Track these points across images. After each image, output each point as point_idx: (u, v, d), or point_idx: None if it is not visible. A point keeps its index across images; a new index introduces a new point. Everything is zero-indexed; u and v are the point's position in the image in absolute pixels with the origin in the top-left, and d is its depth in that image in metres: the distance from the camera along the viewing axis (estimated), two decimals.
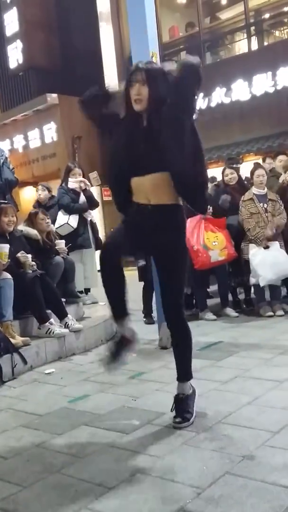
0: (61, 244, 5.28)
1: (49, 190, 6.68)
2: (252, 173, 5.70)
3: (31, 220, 5.13)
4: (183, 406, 2.70)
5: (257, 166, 5.84)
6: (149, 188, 2.61)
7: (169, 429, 2.64)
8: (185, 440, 2.48)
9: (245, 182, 6.17)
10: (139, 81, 2.54)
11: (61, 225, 6.05)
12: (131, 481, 2.15)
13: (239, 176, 6.01)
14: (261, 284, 5.31)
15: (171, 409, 2.71)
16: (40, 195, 6.63)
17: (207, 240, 5.40)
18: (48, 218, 5.20)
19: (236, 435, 2.48)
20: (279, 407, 2.77)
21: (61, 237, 5.67)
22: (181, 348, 2.80)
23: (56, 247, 5.18)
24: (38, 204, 6.50)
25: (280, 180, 5.91)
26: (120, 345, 2.65)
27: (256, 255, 5.34)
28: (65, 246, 5.34)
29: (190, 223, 5.54)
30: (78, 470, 2.28)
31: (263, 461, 2.20)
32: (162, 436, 2.56)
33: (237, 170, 6.15)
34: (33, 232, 5.02)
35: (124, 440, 2.56)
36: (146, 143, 2.57)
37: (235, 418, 2.64)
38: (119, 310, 2.66)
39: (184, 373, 2.79)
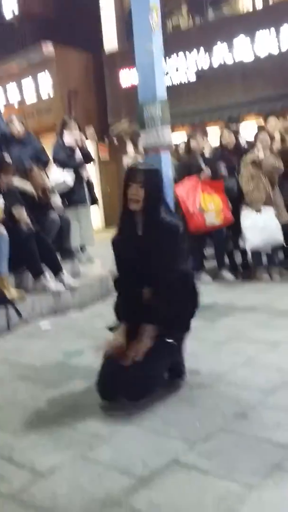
0: (56, 200, 5.19)
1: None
2: (255, 136, 5.58)
3: (26, 175, 5.04)
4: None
5: (261, 129, 5.72)
6: None
7: (164, 385, 2.67)
8: (180, 397, 2.52)
9: (245, 146, 6.07)
10: (137, 182, 2.52)
11: (57, 183, 5.96)
12: (126, 433, 2.19)
13: (237, 139, 5.89)
14: (247, 249, 5.29)
15: None
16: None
17: (203, 202, 5.35)
18: (43, 174, 5.10)
19: (230, 393, 2.52)
20: (273, 368, 2.81)
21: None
22: None
23: (52, 204, 5.10)
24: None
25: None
26: None
27: (247, 218, 5.29)
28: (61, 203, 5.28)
29: (186, 184, 5.49)
30: (73, 421, 2.32)
31: (255, 419, 2.25)
32: (156, 392, 2.59)
33: (235, 132, 6.03)
34: (28, 187, 4.93)
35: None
36: (141, 254, 2.55)
37: (230, 378, 2.68)
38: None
39: None
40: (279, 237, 5.23)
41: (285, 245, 5.36)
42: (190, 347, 3.15)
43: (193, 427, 2.20)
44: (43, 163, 5.69)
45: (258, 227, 5.18)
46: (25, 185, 4.93)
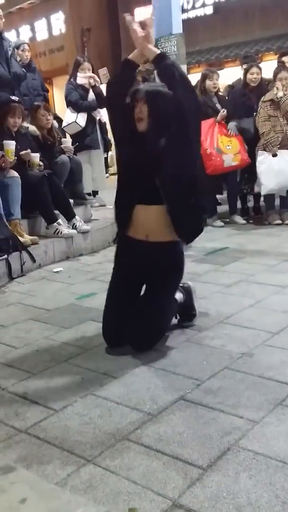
0: (67, 142, 5.11)
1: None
2: (275, 74, 5.37)
3: (31, 115, 4.94)
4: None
5: (280, 67, 5.49)
6: (152, 222, 2.48)
7: (172, 327, 2.74)
8: (188, 338, 2.59)
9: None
10: (140, 100, 2.41)
11: (69, 124, 5.87)
12: (135, 372, 2.27)
13: (261, 77, 5.66)
14: (262, 193, 5.24)
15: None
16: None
17: (221, 144, 5.25)
18: (49, 114, 4.97)
19: (236, 334, 2.57)
20: (280, 310, 2.85)
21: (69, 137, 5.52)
22: None
23: (62, 146, 5.03)
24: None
25: None
26: None
27: (263, 162, 5.20)
28: (72, 145, 5.20)
29: (203, 126, 5.35)
30: (85, 360, 2.41)
31: (261, 358, 2.31)
32: (166, 334, 2.66)
33: (260, 69, 5.77)
34: (31, 128, 4.84)
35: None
36: (150, 171, 2.42)
37: (237, 319, 2.72)
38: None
39: None
40: None
41: None
42: (199, 290, 3.19)
43: (200, 366, 2.27)
44: (44, 97, 5.62)
45: (274, 171, 5.10)
46: (31, 126, 4.84)
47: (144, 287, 2.60)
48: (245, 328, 2.65)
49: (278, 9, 11.22)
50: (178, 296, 2.67)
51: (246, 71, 5.63)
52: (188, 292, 2.72)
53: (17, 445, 1.79)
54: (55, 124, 5.22)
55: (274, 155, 5.16)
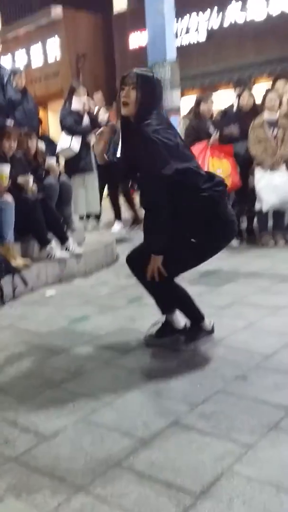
0: (50, 159, 4.97)
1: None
2: (264, 97, 5.47)
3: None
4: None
5: (269, 90, 5.59)
6: None
7: (165, 349, 2.72)
8: (181, 361, 2.57)
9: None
10: (129, 84, 2.46)
11: (63, 149, 5.92)
12: (127, 396, 2.24)
13: (254, 101, 5.75)
14: (264, 209, 5.26)
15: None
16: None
17: (211, 167, 5.29)
18: (33, 137, 4.95)
19: (230, 356, 2.56)
20: (274, 332, 2.84)
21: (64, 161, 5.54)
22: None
23: (46, 166, 4.90)
24: None
25: None
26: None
27: (261, 179, 5.26)
28: (67, 168, 5.18)
29: (195, 150, 5.41)
30: (77, 386, 2.38)
31: (255, 381, 2.29)
32: (158, 356, 2.65)
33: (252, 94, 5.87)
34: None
35: (122, 359, 2.64)
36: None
37: (231, 341, 2.71)
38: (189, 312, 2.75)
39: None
40: None
41: None
42: None
43: (193, 390, 2.24)
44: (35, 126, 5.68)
45: (273, 186, 5.16)
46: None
47: None
48: (239, 350, 2.63)
49: (270, 34, 11.43)
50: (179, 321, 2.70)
51: (238, 96, 5.72)
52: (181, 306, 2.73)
53: (6, 474, 1.75)
54: (42, 147, 5.18)
55: (271, 169, 5.22)
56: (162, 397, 2.21)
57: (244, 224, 5.99)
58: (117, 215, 6.54)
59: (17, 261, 4.07)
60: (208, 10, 12.30)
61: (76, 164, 5.93)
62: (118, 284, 4.17)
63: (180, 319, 2.72)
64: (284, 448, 1.80)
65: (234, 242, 5.50)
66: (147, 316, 3.28)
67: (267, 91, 5.54)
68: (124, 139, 2.62)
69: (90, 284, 4.24)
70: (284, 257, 4.80)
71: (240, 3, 11.97)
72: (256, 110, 5.66)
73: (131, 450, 1.83)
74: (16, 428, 2.04)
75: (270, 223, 5.45)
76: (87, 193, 6.17)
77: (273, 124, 5.32)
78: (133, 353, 2.71)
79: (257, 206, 5.35)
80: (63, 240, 4.57)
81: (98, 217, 6.41)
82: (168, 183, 2.39)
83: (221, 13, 12.24)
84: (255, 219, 5.67)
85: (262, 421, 1.96)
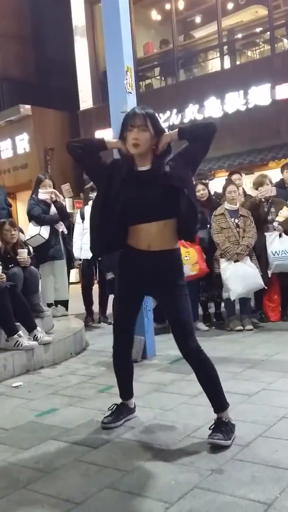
0: (22, 253, 4.99)
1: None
2: (224, 189, 5.79)
3: None
4: (223, 427, 2.54)
5: (229, 182, 5.93)
6: (154, 235, 2.62)
7: (138, 443, 2.62)
8: (154, 454, 2.46)
9: (215, 197, 6.30)
10: (139, 126, 2.58)
11: (32, 236, 5.98)
12: (99, 496, 2.11)
13: (209, 192, 6.11)
14: (232, 298, 5.37)
15: (210, 427, 2.57)
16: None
17: None
18: (14, 230, 5.04)
19: (205, 449, 2.47)
20: (248, 420, 2.78)
21: (32, 249, 5.58)
22: (209, 382, 2.74)
23: (17, 257, 4.94)
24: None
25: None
26: (119, 410, 2.91)
27: (227, 270, 5.42)
28: (36, 256, 5.22)
29: None
30: (45, 485, 2.24)
31: (231, 474, 2.20)
32: (131, 451, 2.54)
33: (206, 185, 6.25)
34: None
35: (92, 455, 2.52)
36: (152, 189, 2.58)
37: (204, 432, 2.62)
38: (124, 391, 2.97)
39: (220, 405, 2.66)
40: (260, 281, 5.35)
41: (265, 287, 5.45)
42: (163, 401, 3.13)
43: (168, 487, 2.14)
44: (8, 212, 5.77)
45: (239, 276, 5.30)
46: None
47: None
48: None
49: (228, 131, 12.27)
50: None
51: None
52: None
53: None
54: (21, 239, 5.24)
55: (236, 260, 5.38)
56: (135, 495, 2.09)
57: (212, 310, 6.07)
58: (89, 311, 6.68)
59: None
60: (168, 112, 13.19)
61: (45, 252, 5.98)
62: (88, 373, 4.08)
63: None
64: None
65: (203, 327, 5.53)
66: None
67: (227, 183, 5.87)
68: (126, 185, 2.62)
69: (58, 374, 4.12)
70: (253, 341, 4.82)
71: (197, 106, 12.90)
72: (210, 200, 6.00)
73: None
74: None
75: (237, 307, 5.54)
76: (56, 281, 6.17)
77: (234, 213, 5.59)
78: (103, 448, 2.59)
79: (225, 295, 5.47)
80: (31, 328, 4.49)
81: (66, 304, 6.37)
82: None
83: (180, 114, 13.13)
84: (223, 304, 5.76)
85: None
